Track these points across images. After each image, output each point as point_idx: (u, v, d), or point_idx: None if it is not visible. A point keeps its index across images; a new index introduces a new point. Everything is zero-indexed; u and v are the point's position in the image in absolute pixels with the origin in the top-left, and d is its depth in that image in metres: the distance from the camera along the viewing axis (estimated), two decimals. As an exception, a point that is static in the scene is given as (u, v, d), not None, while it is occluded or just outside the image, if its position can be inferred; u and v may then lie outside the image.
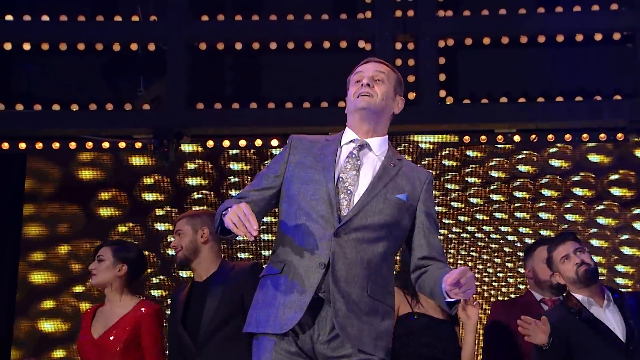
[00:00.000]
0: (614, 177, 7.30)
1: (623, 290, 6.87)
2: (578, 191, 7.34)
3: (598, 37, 6.42)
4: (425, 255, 3.56)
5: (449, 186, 7.32)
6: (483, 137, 6.59)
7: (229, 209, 3.40)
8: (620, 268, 7.12)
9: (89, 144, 6.65)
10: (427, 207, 3.58)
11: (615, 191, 7.31)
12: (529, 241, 7.07)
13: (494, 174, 7.37)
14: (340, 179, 3.48)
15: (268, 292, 3.50)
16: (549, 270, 4.90)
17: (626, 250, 7.12)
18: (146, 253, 6.56)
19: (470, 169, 7.40)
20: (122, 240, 5.51)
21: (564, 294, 4.79)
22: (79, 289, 7.08)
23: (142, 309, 4.90)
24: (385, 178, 3.51)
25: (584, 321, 4.57)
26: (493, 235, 7.22)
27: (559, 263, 4.68)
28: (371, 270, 3.43)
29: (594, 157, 7.25)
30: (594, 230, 7.14)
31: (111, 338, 4.85)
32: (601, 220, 7.23)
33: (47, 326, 7.03)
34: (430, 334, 4.68)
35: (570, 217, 7.19)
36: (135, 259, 5.00)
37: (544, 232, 7.09)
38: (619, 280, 7.04)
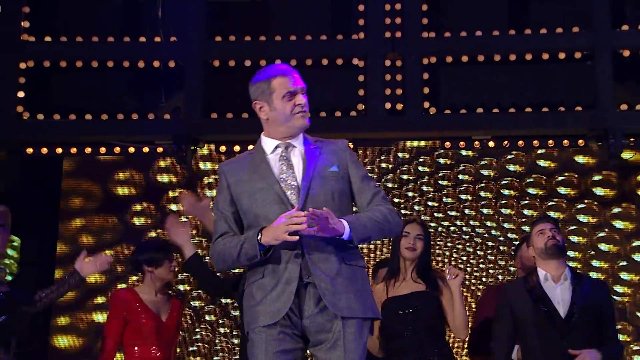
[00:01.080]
0: (597, 177, 7.41)
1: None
2: (562, 190, 7.43)
3: (562, 55, 6.58)
4: (369, 202, 3.63)
5: (424, 188, 7.45)
6: (462, 142, 6.71)
7: (258, 235, 3.42)
8: (595, 263, 7.26)
9: (117, 149, 6.81)
10: (357, 169, 3.66)
11: (598, 191, 7.40)
12: (511, 236, 7.33)
13: (463, 175, 7.49)
14: (282, 179, 3.54)
15: (255, 295, 3.53)
16: (532, 259, 5.03)
17: (603, 247, 7.25)
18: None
19: (443, 172, 7.53)
20: None
21: (532, 270, 4.86)
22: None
23: (175, 301, 5.25)
24: (312, 161, 3.58)
25: (533, 297, 4.68)
26: (478, 230, 7.38)
27: (534, 236, 4.80)
28: (338, 241, 3.48)
29: (580, 159, 7.37)
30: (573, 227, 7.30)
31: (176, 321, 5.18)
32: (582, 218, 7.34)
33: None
34: (406, 304, 4.75)
35: (552, 214, 7.21)
36: None
37: (526, 228, 7.13)
38: (593, 274, 7.16)
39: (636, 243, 7.27)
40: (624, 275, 7.22)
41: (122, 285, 7.11)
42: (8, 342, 6.22)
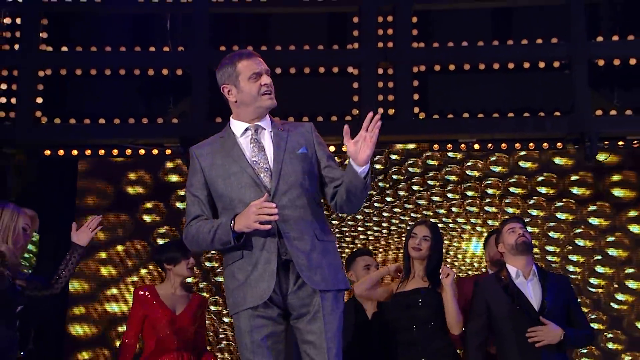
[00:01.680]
0: (574, 178, 7.46)
1: (572, 275, 7.12)
2: (542, 190, 7.48)
3: (541, 64, 6.68)
4: (337, 185, 3.58)
5: (414, 187, 7.51)
6: (449, 145, 6.81)
7: (231, 222, 3.38)
8: (572, 257, 7.30)
9: (128, 151, 6.90)
10: (323, 150, 3.65)
11: (576, 190, 7.45)
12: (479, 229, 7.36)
13: (450, 176, 7.52)
14: (255, 162, 3.49)
15: (237, 275, 3.50)
16: (499, 253, 5.05)
17: (579, 242, 7.31)
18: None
19: (432, 173, 7.53)
20: None
21: (501, 267, 4.89)
22: (132, 278, 7.29)
23: (196, 297, 5.29)
24: (282, 143, 3.55)
25: (507, 291, 4.70)
26: (465, 226, 7.42)
27: (505, 233, 4.82)
28: (310, 218, 3.49)
29: (558, 160, 7.46)
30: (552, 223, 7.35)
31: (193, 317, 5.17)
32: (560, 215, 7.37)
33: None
34: (410, 303, 4.74)
35: (533, 212, 7.37)
36: None
37: (491, 222, 7.30)
38: (570, 268, 7.26)
39: (610, 239, 7.33)
40: (599, 269, 7.28)
41: (133, 278, 7.22)
42: (28, 332, 6.42)
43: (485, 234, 7.18)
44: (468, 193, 7.56)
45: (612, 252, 7.33)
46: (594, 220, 7.40)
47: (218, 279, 7.43)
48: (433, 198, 7.51)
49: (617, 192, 7.48)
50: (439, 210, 7.46)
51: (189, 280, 7.24)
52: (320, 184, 3.61)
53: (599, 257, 7.29)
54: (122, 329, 7.13)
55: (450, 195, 7.55)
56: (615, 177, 7.48)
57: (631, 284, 7.24)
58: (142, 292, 5.14)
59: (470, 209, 7.54)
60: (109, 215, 7.45)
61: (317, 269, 3.44)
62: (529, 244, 4.76)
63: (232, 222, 3.36)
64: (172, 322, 5.07)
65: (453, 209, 7.50)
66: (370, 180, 3.52)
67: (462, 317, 4.76)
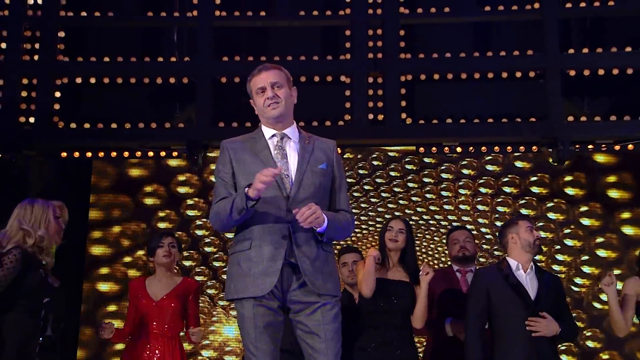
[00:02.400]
0: (533, 178, 7.61)
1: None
2: (507, 189, 7.55)
3: (518, 74, 6.80)
4: (339, 209, 3.68)
5: (396, 189, 7.58)
6: (434, 148, 6.91)
7: (246, 188, 3.39)
8: (559, 256, 7.37)
9: (138, 153, 6.99)
10: (339, 170, 3.73)
11: (535, 189, 7.60)
12: (484, 230, 7.47)
13: (444, 175, 7.66)
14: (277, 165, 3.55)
15: (241, 265, 3.54)
16: (454, 249, 5.27)
17: (568, 242, 7.40)
18: (179, 233, 7.17)
19: (426, 172, 7.61)
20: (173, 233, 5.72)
21: (501, 259, 4.90)
22: (127, 259, 7.45)
23: (188, 281, 5.29)
24: (306, 156, 3.61)
25: (508, 281, 4.72)
26: (443, 222, 7.51)
27: (523, 229, 4.80)
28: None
29: (518, 163, 7.62)
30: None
31: (175, 301, 5.17)
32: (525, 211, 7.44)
33: (103, 287, 7.39)
34: (386, 292, 4.81)
35: (501, 209, 7.52)
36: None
37: (498, 223, 7.35)
38: (555, 267, 7.37)
39: (599, 239, 7.40)
40: (585, 269, 7.34)
41: (127, 259, 7.36)
42: (46, 319, 6.61)
43: (474, 232, 7.10)
44: (448, 192, 7.64)
45: (600, 252, 7.42)
46: (585, 221, 7.49)
47: (216, 263, 7.47)
48: (413, 198, 7.57)
49: (612, 194, 7.54)
50: (432, 207, 7.57)
51: (188, 263, 7.35)
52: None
53: (586, 257, 7.37)
54: (111, 308, 7.15)
55: (429, 195, 7.60)
56: (610, 179, 7.54)
57: (618, 285, 7.12)
58: (132, 284, 5.29)
59: (462, 207, 7.62)
60: (119, 208, 7.52)
61: (319, 274, 3.52)
62: (541, 247, 4.87)
63: (247, 188, 3.40)
64: (152, 308, 5.12)
65: (446, 206, 7.59)
66: (332, 237, 3.61)
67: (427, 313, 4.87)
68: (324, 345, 3.49)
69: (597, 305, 7.21)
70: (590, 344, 7.23)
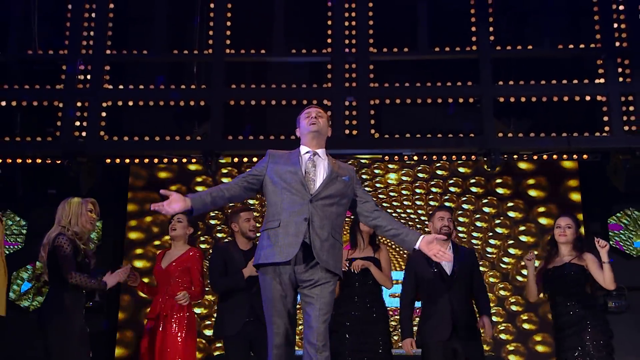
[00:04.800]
0: (472, 180, 7.79)
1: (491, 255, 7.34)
2: (452, 189, 7.71)
3: (461, 100, 7.16)
4: (374, 209, 3.87)
5: (377, 185, 7.78)
6: (396, 157, 7.21)
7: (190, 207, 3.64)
8: (492, 241, 7.65)
9: (165, 160, 7.28)
10: (359, 186, 3.95)
11: (473, 189, 7.74)
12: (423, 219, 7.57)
13: (404, 178, 7.81)
14: (306, 172, 3.78)
15: (270, 238, 3.69)
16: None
17: (499, 229, 7.66)
18: (198, 222, 7.31)
19: (390, 176, 7.80)
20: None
21: None
22: (157, 242, 7.63)
23: (191, 253, 5.33)
24: (334, 171, 3.82)
25: (428, 261, 4.88)
26: (403, 215, 7.69)
27: (435, 220, 5.08)
28: (332, 221, 3.73)
29: (460, 169, 7.85)
30: (478, 215, 7.66)
31: (178, 268, 5.25)
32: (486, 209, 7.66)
33: (138, 264, 7.53)
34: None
35: (447, 204, 7.52)
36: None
37: (461, 219, 7.54)
38: (489, 249, 7.57)
39: (522, 228, 7.65)
40: (511, 250, 7.60)
41: (156, 242, 7.46)
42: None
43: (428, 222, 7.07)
44: (404, 192, 7.80)
45: (522, 238, 7.64)
46: (511, 213, 7.70)
47: (218, 235, 7.61)
48: (380, 196, 7.75)
49: (531, 192, 7.76)
50: (395, 203, 7.68)
51: (203, 246, 7.34)
52: (353, 203, 3.89)
53: (512, 242, 7.62)
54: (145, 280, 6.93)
55: (404, 192, 7.76)
56: (530, 181, 7.75)
57: (535, 262, 7.29)
58: (159, 253, 5.42)
59: (418, 202, 7.71)
60: (144, 193, 7.68)
61: (325, 252, 3.67)
62: (449, 233, 5.04)
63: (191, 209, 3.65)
64: (160, 273, 5.25)
65: (405, 202, 7.70)
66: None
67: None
68: (317, 312, 3.62)
69: (519, 278, 7.47)
70: (514, 307, 7.52)
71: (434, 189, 7.89)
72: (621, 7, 7.13)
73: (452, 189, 7.89)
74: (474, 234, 7.69)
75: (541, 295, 5.08)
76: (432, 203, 7.80)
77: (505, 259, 7.67)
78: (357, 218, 3.96)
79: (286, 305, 3.66)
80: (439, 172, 7.93)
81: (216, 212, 7.72)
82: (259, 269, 3.73)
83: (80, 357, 4.59)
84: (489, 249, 7.69)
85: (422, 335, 5.01)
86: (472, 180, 7.89)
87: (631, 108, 6.99)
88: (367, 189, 7.77)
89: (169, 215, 4.27)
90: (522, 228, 7.77)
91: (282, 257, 3.62)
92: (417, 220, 7.68)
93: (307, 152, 3.86)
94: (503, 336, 7.46)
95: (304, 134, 3.89)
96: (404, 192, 7.89)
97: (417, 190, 7.89)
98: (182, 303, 5.11)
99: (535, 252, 5.54)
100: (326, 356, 3.63)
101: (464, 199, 7.86)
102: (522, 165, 7.85)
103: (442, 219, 5.05)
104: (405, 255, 7.62)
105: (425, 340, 4.99)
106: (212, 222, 7.81)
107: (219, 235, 7.75)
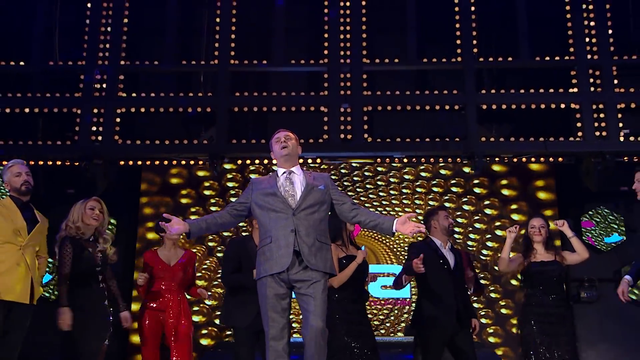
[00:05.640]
0: (453, 181, 7.97)
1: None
2: (435, 189, 7.84)
3: (447, 107, 7.34)
4: (352, 208, 3.99)
5: (368, 186, 7.94)
6: (387, 159, 7.46)
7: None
8: (471, 235, 7.83)
9: (174, 162, 7.50)
10: (335, 190, 4.08)
11: (454, 189, 7.96)
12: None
13: (392, 180, 7.97)
14: (285, 191, 3.94)
15: (266, 254, 3.87)
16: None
17: (477, 225, 7.89)
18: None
19: (379, 177, 7.93)
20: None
21: (425, 237, 5.11)
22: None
23: (190, 255, 5.41)
24: (309, 183, 3.98)
25: (435, 253, 4.99)
26: (392, 212, 7.84)
27: (441, 217, 5.04)
28: (316, 228, 3.90)
29: (442, 171, 8.03)
30: (459, 212, 7.89)
31: (184, 267, 5.31)
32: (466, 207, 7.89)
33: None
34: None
35: (431, 203, 7.85)
36: None
37: (418, 210, 7.67)
38: (470, 243, 7.76)
39: (497, 223, 7.84)
40: (489, 243, 7.81)
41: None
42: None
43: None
44: (392, 192, 8.00)
45: (498, 232, 7.84)
46: (488, 210, 7.94)
47: (210, 244, 7.73)
48: (370, 195, 7.93)
49: (505, 192, 8.01)
50: (384, 202, 7.88)
51: (211, 244, 7.40)
52: (333, 205, 4.03)
53: (489, 236, 7.87)
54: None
55: (392, 192, 7.93)
56: (504, 182, 7.98)
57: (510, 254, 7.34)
58: (146, 255, 5.44)
59: (405, 201, 7.93)
60: (159, 199, 7.79)
61: (314, 256, 3.84)
62: (453, 229, 5.19)
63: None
64: (165, 271, 5.31)
65: (394, 201, 7.88)
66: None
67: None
68: (313, 308, 3.76)
69: (496, 268, 6.47)
70: (493, 295, 7.80)
71: (419, 189, 8.04)
72: (592, 23, 7.39)
73: (435, 189, 8.05)
74: (456, 229, 7.77)
75: (518, 276, 5.26)
76: (417, 202, 7.96)
77: (484, 252, 7.85)
78: (340, 218, 4.12)
79: (280, 302, 3.82)
80: (423, 174, 8.05)
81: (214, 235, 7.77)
82: (258, 282, 3.94)
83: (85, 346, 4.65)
84: (469, 243, 7.89)
85: (424, 325, 4.98)
86: (453, 181, 8.06)
87: (602, 115, 7.25)
88: (359, 189, 7.89)
89: (172, 236, 4.36)
90: (497, 223, 7.91)
91: (278, 268, 3.84)
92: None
93: (283, 173, 4.04)
94: (484, 320, 7.63)
95: (277, 157, 4.05)
96: (392, 192, 8.01)
97: (404, 190, 7.99)
98: (204, 297, 5.43)
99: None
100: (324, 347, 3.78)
101: (446, 197, 8.04)
102: (497, 167, 8.03)
103: (447, 218, 5.14)
104: (394, 249, 7.76)
105: (425, 324, 4.96)
106: (225, 233, 7.84)
107: (220, 254, 7.78)
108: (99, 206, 4.90)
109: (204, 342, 7.70)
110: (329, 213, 4.05)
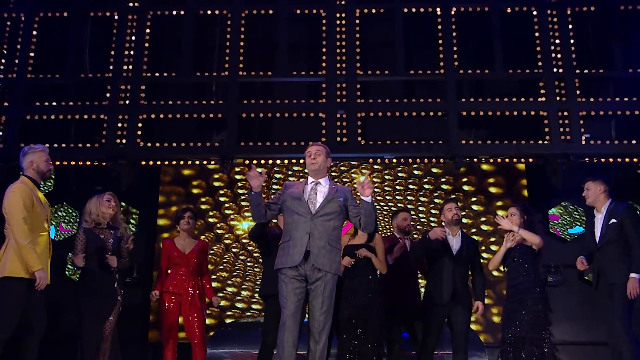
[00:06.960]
0: (442, 179, 8.21)
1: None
2: (426, 186, 8.09)
3: (431, 113, 7.54)
4: (356, 214, 4.27)
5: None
6: (379, 160, 7.65)
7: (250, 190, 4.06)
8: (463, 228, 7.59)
9: (189, 162, 7.74)
10: (352, 201, 4.35)
11: (444, 186, 8.19)
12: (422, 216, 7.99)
13: (386, 177, 8.21)
14: (310, 198, 4.24)
15: (284, 249, 4.22)
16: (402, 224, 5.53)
17: (465, 220, 7.97)
18: (215, 212, 7.74)
19: (374, 175, 8.18)
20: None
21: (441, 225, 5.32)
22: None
23: (203, 244, 5.67)
24: (331, 193, 4.26)
25: (441, 241, 5.19)
26: (385, 207, 8.07)
27: (445, 211, 5.33)
28: (329, 233, 4.19)
29: (433, 169, 8.23)
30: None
31: (198, 255, 5.55)
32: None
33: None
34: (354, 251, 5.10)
35: (422, 199, 8.11)
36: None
37: (410, 205, 7.90)
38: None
39: (483, 218, 8.09)
40: (474, 237, 7.11)
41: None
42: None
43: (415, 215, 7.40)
44: (386, 189, 8.26)
45: (483, 227, 8.07)
46: (474, 207, 8.12)
47: (237, 232, 7.97)
48: (375, 189, 8.08)
49: (490, 189, 8.19)
50: (378, 198, 8.04)
51: (219, 231, 7.65)
52: (348, 216, 4.33)
53: (474, 230, 8.03)
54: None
55: (386, 189, 8.17)
56: (489, 180, 8.19)
57: (494, 247, 7.87)
58: (165, 243, 5.67)
59: (398, 197, 8.14)
60: (175, 196, 8.02)
61: (322, 257, 4.13)
62: (459, 220, 5.36)
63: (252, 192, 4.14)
64: (181, 259, 5.54)
65: (387, 197, 8.11)
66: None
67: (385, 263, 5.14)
68: (320, 303, 4.07)
69: (484, 255, 7.59)
70: (495, 274, 7.71)
71: (411, 186, 8.23)
72: (557, 41, 7.73)
73: (425, 186, 8.21)
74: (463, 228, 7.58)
75: (501, 267, 5.32)
76: (409, 198, 8.13)
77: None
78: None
79: (294, 290, 4.12)
80: (415, 172, 8.23)
81: (235, 214, 8.02)
82: (279, 272, 4.26)
83: (92, 323, 4.82)
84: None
85: (425, 298, 5.28)
86: (443, 179, 8.25)
87: (566, 121, 7.55)
88: (356, 186, 7.53)
89: (254, 183, 4.29)
90: (483, 219, 8.13)
91: (291, 263, 4.17)
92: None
93: (311, 182, 4.35)
94: (487, 301, 7.37)
95: (308, 169, 4.32)
96: (386, 188, 8.20)
97: (397, 187, 8.19)
98: (215, 304, 5.69)
99: (492, 239, 5.73)
100: (324, 342, 4.10)
101: (436, 194, 8.21)
102: (484, 167, 8.25)
103: (451, 210, 5.35)
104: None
105: (426, 303, 5.24)
106: (233, 223, 8.07)
107: (238, 232, 7.98)
108: (113, 199, 5.18)
109: (207, 321, 7.66)
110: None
